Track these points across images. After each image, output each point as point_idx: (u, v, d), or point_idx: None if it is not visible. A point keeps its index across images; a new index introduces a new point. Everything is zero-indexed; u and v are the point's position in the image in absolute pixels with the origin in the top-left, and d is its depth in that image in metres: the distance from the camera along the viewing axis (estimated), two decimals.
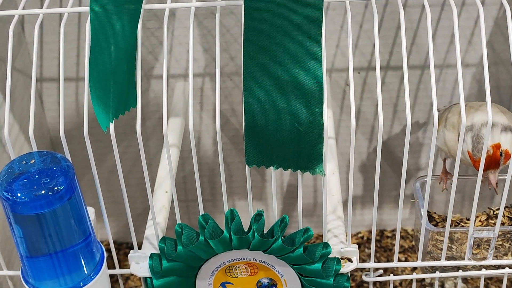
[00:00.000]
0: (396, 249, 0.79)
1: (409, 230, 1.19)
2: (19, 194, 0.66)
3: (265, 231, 0.74)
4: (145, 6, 0.73)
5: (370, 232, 1.19)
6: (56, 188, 0.67)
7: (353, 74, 1.03)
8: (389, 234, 1.19)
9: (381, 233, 1.19)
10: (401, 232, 1.19)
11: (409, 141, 0.70)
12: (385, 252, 1.15)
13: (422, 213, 0.79)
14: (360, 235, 1.19)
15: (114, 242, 1.20)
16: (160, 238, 0.77)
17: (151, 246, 0.80)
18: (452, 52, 1.01)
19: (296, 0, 0.65)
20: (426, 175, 0.84)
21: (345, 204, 0.94)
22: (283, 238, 0.74)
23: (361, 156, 1.12)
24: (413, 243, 1.13)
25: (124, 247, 1.21)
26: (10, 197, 0.66)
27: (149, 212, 0.85)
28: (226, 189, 0.75)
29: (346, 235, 0.78)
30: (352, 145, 0.71)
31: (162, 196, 0.86)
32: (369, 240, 1.18)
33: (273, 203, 0.74)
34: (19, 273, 0.83)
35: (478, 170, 0.73)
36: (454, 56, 1.00)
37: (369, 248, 1.16)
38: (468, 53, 1.02)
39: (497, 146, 0.76)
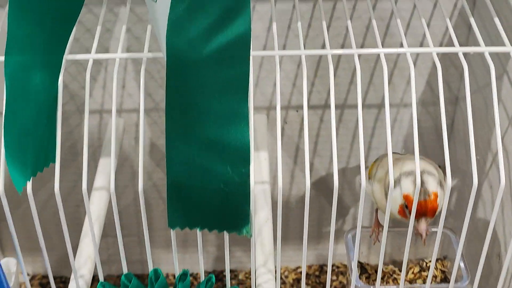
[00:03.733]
0: None
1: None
2: None
3: None
4: (67, 57, 0.70)
5: (309, 267, 1.18)
6: None
7: (291, 112, 1.03)
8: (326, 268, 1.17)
9: (320, 268, 1.17)
10: (340, 267, 1.17)
11: (336, 198, 0.69)
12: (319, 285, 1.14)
13: (352, 266, 0.78)
14: (299, 270, 1.18)
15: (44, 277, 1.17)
16: None
17: None
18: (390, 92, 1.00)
19: (223, 58, 0.63)
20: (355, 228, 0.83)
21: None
22: None
23: (299, 192, 1.11)
24: None
25: (57, 281, 1.18)
26: None
27: (74, 262, 0.82)
28: (149, 243, 0.73)
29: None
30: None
31: (86, 247, 0.82)
32: (308, 275, 1.16)
33: (200, 263, 0.72)
34: None
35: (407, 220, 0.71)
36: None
37: (307, 284, 1.14)
38: (406, 93, 1.01)
39: (435, 195, 0.75)
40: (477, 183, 0.65)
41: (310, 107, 1.02)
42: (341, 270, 1.17)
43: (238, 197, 0.67)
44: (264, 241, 0.83)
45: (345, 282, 1.15)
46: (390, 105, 1.02)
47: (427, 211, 0.74)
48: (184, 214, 0.67)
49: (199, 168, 0.66)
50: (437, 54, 0.72)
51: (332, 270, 1.17)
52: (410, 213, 0.72)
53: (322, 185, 1.10)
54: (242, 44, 0.62)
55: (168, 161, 0.66)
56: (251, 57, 0.63)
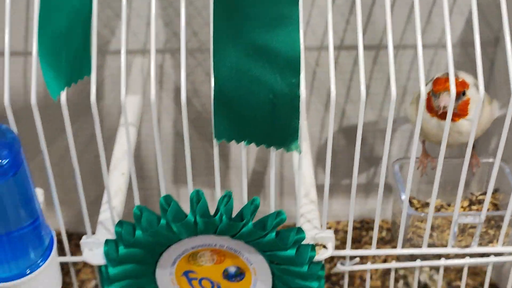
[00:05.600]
0: (375, 235, 0.72)
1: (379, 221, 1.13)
2: None
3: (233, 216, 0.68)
4: None
5: (338, 223, 1.13)
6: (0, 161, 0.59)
7: (323, 53, 0.98)
8: (358, 225, 1.13)
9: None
10: (370, 223, 1.13)
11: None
12: (353, 244, 1.09)
13: (403, 197, 0.73)
14: (327, 225, 1.13)
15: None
16: (116, 222, 0.70)
17: (106, 231, 0.73)
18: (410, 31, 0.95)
19: None
20: (404, 158, 0.79)
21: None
22: (253, 222, 0.68)
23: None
24: (384, 234, 1.07)
25: (74, 238, 1.13)
26: None
27: (104, 195, 0.78)
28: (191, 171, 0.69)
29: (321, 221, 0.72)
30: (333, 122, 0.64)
31: (118, 178, 0.78)
32: (337, 231, 1.12)
33: (242, 183, 0.68)
34: None
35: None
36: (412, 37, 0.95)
37: (337, 240, 1.09)
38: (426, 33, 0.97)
39: (464, 81, 0.71)
40: None
41: (343, 47, 0.97)
42: (371, 226, 1.12)
43: (287, 110, 0.62)
44: (305, 174, 0.79)
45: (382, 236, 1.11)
46: (427, 46, 0.97)
47: (447, 86, 0.70)
48: (230, 125, 0.63)
49: (247, 76, 0.61)
50: None
51: (362, 226, 1.12)
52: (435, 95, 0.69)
53: (354, 134, 1.05)
54: None
55: (215, 69, 0.61)
56: None
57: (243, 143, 0.64)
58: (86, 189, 1.10)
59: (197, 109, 1.02)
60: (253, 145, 1.05)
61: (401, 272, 1.01)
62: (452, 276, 1.02)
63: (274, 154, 0.66)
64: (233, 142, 0.65)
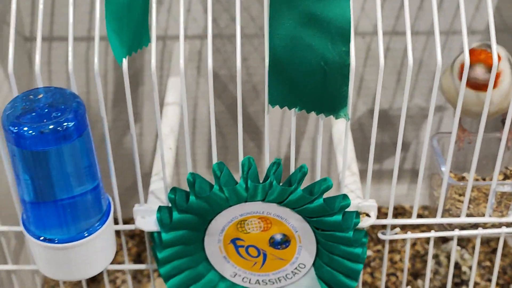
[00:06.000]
0: (416, 204, 0.75)
1: (407, 207, 1.16)
2: (26, 128, 0.61)
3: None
4: None
5: None
6: (66, 124, 0.62)
7: (358, 39, 1.01)
8: (386, 212, 1.15)
9: (378, 210, 1.15)
10: (397, 209, 1.16)
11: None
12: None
13: (443, 169, 0.76)
14: None
15: None
16: (169, 189, 0.73)
17: (157, 200, 0.76)
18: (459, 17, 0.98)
19: None
20: (443, 132, 0.82)
21: None
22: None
23: (361, 127, 1.09)
24: None
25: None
26: (17, 132, 0.61)
27: (153, 168, 0.81)
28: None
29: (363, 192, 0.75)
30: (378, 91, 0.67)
31: (166, 152, 0.81)
32: None
33: (291, 148, 0.71)
34: (11, 228, 0.79)
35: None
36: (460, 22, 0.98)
37: None
38: (474, 19, 1.00)
39: (498, 55, 0.74)
40: None
41: (376, 32, 1.00)
42: (399, 212, 1.15)
43: (337, 77, 0.65)
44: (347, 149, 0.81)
45: None
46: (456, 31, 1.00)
47: (481, 58, 0.73)
48: (283, 92, 0.66)
49: (300, 43, 0.64)
50: None
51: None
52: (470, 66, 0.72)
53: (385, 119, 1.08)
54: None
55: (270, 37, 0.64)
56: None
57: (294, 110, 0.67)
58: (124, 174, 1.13)
59: (233, 94, 1.05)
60: (285, 129, 1.09)
61: (434, 251, 1.04)
62: (482, 257, 1.05)
63: (322, 123, 0.69)
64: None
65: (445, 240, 1.05)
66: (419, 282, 1.00)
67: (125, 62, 0.66)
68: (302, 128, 1.09)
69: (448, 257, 0.98)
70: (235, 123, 1.08)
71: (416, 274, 1.03)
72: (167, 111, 0.87)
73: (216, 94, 1.05)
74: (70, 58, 0.65)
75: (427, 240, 1.06)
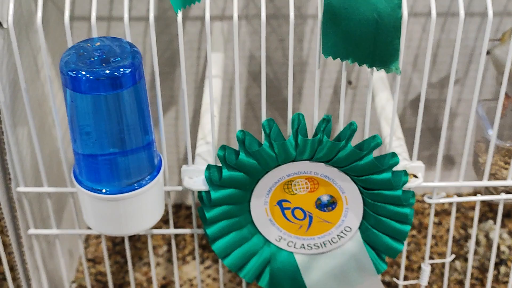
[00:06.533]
0: (463, 167, 0.75)
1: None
2: (83, 72, 0.62)
3: None
4: None
5: None
6: (122, 70, 0.63)
7: None
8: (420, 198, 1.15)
9: None
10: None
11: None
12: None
13: (490, 132, 0.76)
14: None
15: None
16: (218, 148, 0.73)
17: (204, 161, 0.76)
18: None
19: None
20: (487, 99, 0.82)
21: None
22: None
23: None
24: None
25: None
26: (75, 76, 0.62)
27: (198, 133, 0.81)
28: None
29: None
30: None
31: (210, 120, 0.81)
32: None
33: (340, 110, 0.71)
34: (59, 189, 0.79)
35: None
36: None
37: None
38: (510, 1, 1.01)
39: None
40: None
41: (412, 14, 1.01)
42: None
43: (389, 30, 0.66)
44: (389, 116, 0.82)
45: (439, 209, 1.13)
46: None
47: None
48: (337, 43, 0.66)
49: None
50: None
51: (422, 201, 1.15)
52: None
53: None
54: None
55: None
56: None
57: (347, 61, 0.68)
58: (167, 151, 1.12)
59: (270, 76, 1.06)
60: (325, 97, 1.08)
61: (463, 234, 1.04)
62: None
63: (372, 77, 0.69)
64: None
65: (482, 219, 1.04)
66: (457, 263, 1.00)
67: (180, 14, 0.67)
68: (336, 111, 1.10)
69: (486, 236, 0.97)
70: (270, 106, 1.08)
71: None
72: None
73: (252, 77, 1.06)
74: (125, 15, 0.66)
75: (463, 226, 1.05)
